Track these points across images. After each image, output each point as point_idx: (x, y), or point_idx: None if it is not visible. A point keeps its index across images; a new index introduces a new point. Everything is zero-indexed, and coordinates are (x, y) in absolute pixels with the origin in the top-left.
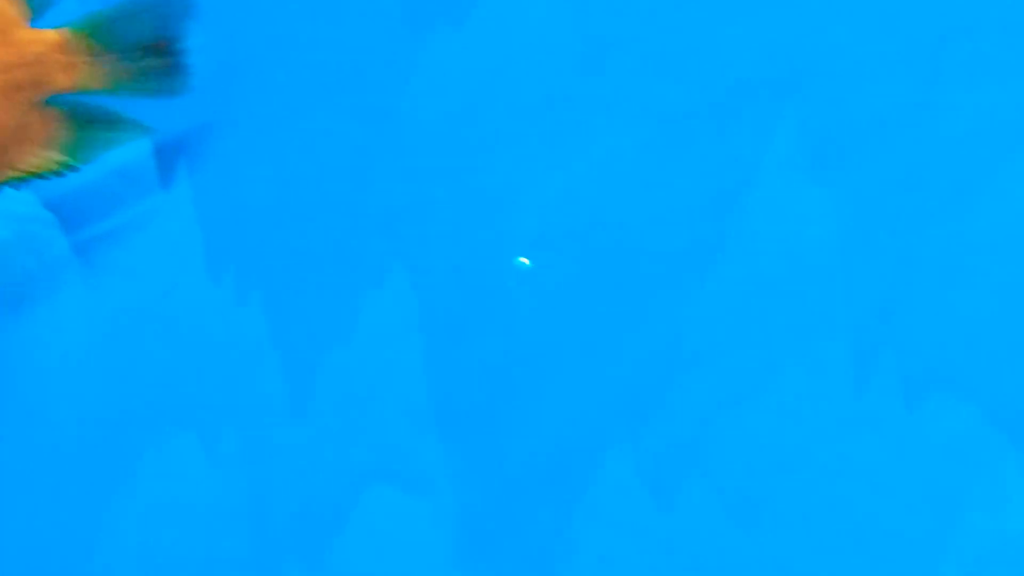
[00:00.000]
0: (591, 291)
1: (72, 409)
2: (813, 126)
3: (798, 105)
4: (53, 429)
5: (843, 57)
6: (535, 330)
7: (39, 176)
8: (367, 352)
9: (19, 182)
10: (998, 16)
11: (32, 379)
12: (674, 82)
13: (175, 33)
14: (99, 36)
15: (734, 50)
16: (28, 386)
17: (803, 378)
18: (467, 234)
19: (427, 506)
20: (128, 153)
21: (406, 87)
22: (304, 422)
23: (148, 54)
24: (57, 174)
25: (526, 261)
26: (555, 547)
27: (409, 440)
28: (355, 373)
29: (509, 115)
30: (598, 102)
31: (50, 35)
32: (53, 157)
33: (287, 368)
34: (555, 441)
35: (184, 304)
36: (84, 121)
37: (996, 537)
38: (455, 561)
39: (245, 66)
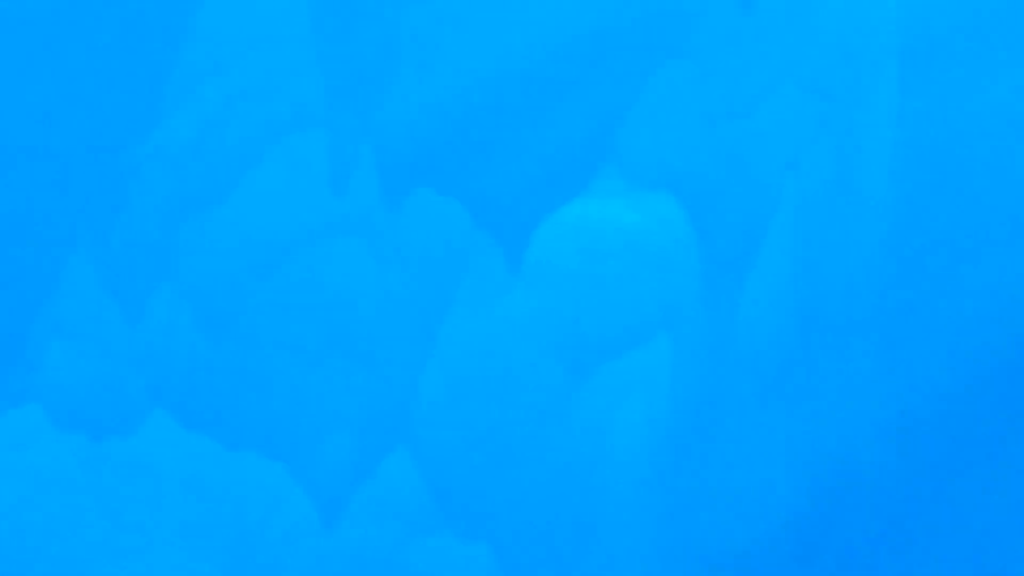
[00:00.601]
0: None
1: None
2: None
3: None
4: None
5: None
6: (15, 140)
7: None
8: None
9: None
10: None
11: None
12: None
13: None
14: None
15: None
16: None
17: (278, 178)
18: None
19: None
20: None
21: None
22: None
23: None
24: None
25: None
26: (10, 360)
27: None
28: None
29: None
30: None
31: None
32: None
33: None
34: (7, 249)
35: None
36: None
37: (483, 331)
38: None
39: None
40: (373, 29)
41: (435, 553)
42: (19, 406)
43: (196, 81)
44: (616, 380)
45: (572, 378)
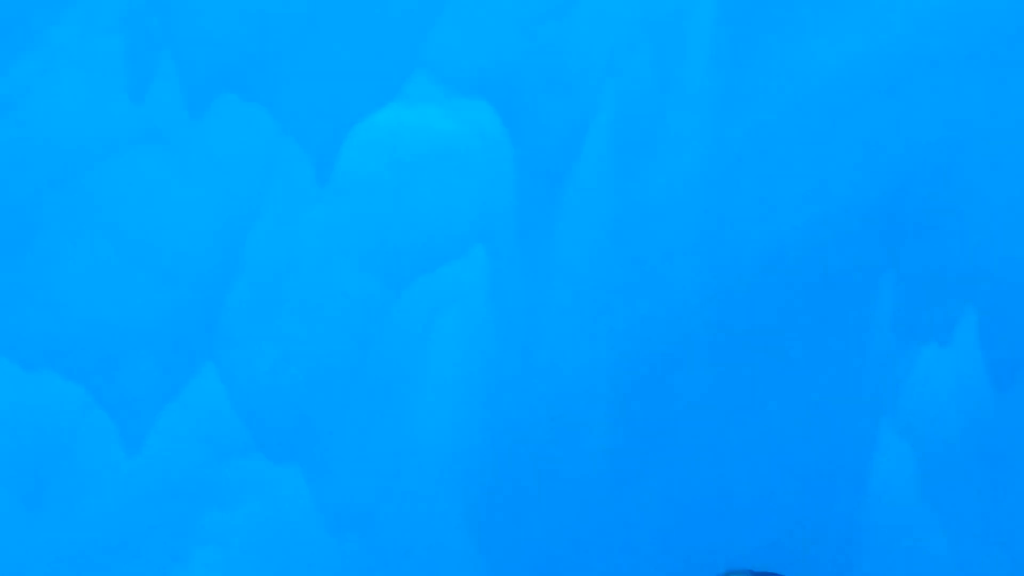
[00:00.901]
0: None
1: None
2: None
3: None
4: None
5: None
6: None
7: None
8: None
9: None
10: None
11: None
12: None
13: None
14: None
15: None
16: None
17: (73, 86)
18: None
19: None
20: None
21: None
22: None
23: None
24: None
25: None
26: None
27: None
28: None
29: None
30: None
31: None
32: None
33: None
34: None
35: None
36: None
37: (292, 243)
38: None
39: None
40: None
41: (244, 476)
42: None
43: None
44: (432, 293)
45: (386, 292)
